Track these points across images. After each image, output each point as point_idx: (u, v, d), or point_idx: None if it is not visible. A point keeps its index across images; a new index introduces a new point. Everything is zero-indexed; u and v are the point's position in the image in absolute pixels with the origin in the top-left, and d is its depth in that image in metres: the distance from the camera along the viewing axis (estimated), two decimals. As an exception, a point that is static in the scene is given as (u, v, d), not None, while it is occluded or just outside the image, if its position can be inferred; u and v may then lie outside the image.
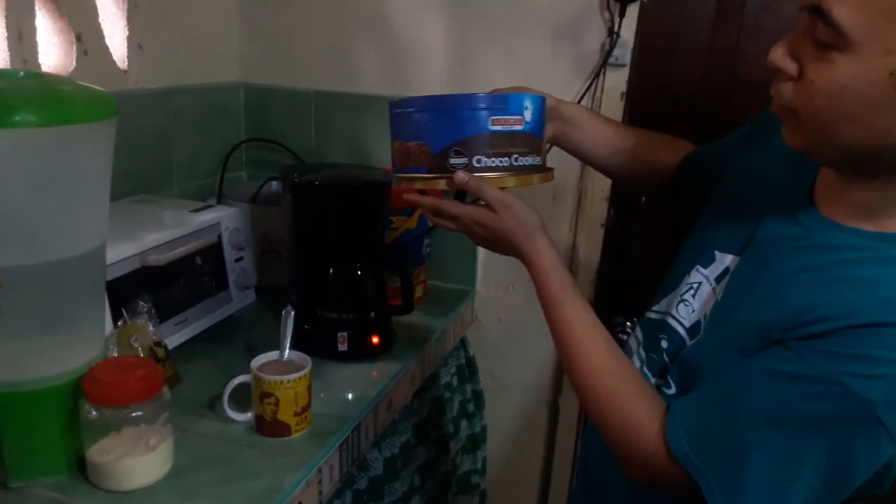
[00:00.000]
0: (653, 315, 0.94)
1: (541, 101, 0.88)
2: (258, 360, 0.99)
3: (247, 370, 0.98)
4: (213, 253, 1.23)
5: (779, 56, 0.67)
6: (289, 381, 0.95)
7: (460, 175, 0.84)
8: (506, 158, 0.85)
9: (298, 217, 1.21)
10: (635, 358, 0.93)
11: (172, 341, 1.11)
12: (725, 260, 0.84)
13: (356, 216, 1.21)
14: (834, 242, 0.73)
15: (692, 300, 0.87)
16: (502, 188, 0.86)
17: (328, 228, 1.21)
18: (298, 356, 1.01)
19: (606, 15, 1.33)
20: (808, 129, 0.68)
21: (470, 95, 0.85)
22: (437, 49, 1.48)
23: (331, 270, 1.20)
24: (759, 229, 0.81)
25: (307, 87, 1.60)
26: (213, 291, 1.23)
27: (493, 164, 0.84)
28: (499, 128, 0.84)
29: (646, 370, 0.89)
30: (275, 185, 1.49)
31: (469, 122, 0.83)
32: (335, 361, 1.17)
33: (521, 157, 0.86)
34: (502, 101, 0.84)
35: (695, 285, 0.87)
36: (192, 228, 1.18)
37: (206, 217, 1.22)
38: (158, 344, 1.02)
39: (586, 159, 1.10)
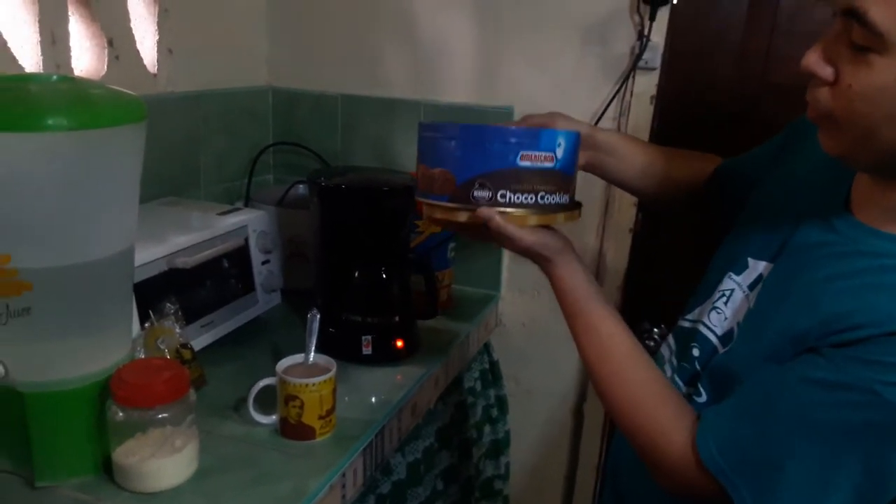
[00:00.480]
0: (685, 324, 0.92)
1: (575, 138, 0.84)
2: (283, 363, 1.00)
3: (272, 373, 0.98)
4: (240, 256, 1.23)
5: (813, 61, 0.66)
6: (314, 385, 0.95)
7: (484, 212, 0.80)
8: (532, 195, 0.81)
9: (325, 220, 1.22)
10: (667, 367, 0.92)
11: (199, 343, 1.12)
12: (759, 267, 0.82)
13: (382, 220, 1.21)
14: (870, 248, 0.71)
15: (724, 308, 0.85)
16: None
17: (354, 232, 1.21)
18: (323, 359, 1.01)
19: (636, 18, 1.32)
20: (847, 135, 0.66)
21: (500, 128, 0.83)
22: (463, 52, 1.48)
23: (356, 274, 1.21)
24: (793, 236, 0.79)
25: (334, 90, 1.61)
26: (239, 294, 1.23)
27: (518, 201, 0.81)
28: (527, 164, 0.80)
29: (677, 379, 0.88)
30: (301, 188, 1.50)
31: (497, 156, 0.80)
32: (360, 365, 1.17)
33: (548, 195, 0.82)
34: (533, 137, 0.81)
35: (727, 292, 0.85)
36: (219, 231, 1.19)
37: (234, 220, 1.23)
38: (185, 346, 1.03)
39: (618, 184, 1.08)
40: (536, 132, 0.82)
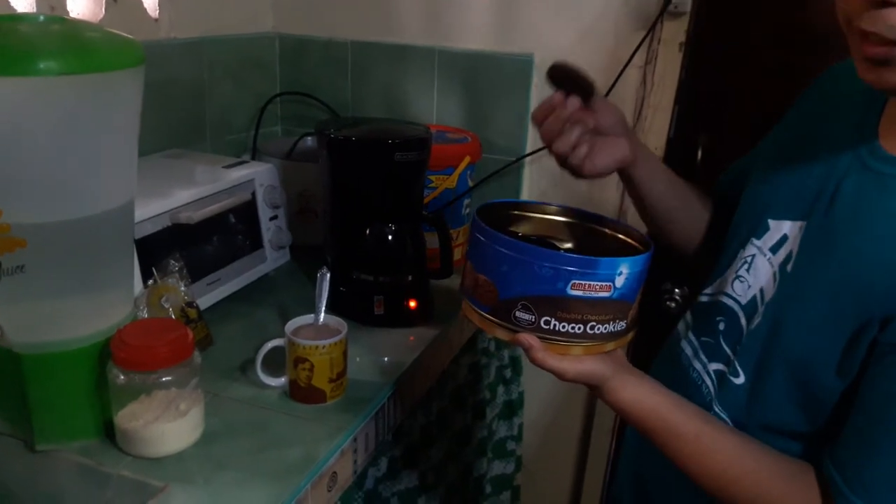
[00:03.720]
0: (704, 298, 0.87)
1: (643, 262, 0.75)
2: (292, 324, 0.95)
3: (281, 333, 0.94)
4: (246, 211, 1.18)
5: None
6: (324, 347, 0.91)
7: (524, 339, 0.73)
8: (580, 326, 0.73)
9: (335, 175, 1.16)
10: (684, 343, 0.87)
11: (205, 301, 1.08)
12: (783, 227, 0.78)
13: (395, 174, 1.15)
14: None
15: (747, 275, 0.80)
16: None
17: (365, 187, 1.16)
18: (334, 320, 0.97)
19: (665, -40, 1.24)
20: None
21: (553, 253, 0.74)
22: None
23: (367, 231, 1.16)
24: (823, 189, 0.74)
25: (344, 37, 1.54)
26: (246, 251, 1.19)
27: (564, 330, 0.73)
28: (579, 293, 0.72)
29: (702, 356, 0.84)
30: (310, 140, 1.44)
31: (545, 280, 0.72)
32: (371, 326, 1.13)
33: (599, 325, 0.74)
34: (590, 266, 0.71)
35: (749, 259, 0.81)
36: (225, 185, 1.14)
37: (240, 173, 1.18)
38: (190, 304, 0.99)
39: (639, 194, 0.97)
40: (595, 262, 0.72)
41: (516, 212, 0.88)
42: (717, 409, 0.81)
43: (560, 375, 0.75)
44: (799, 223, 0.76)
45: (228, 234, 1.15)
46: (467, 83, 1.47)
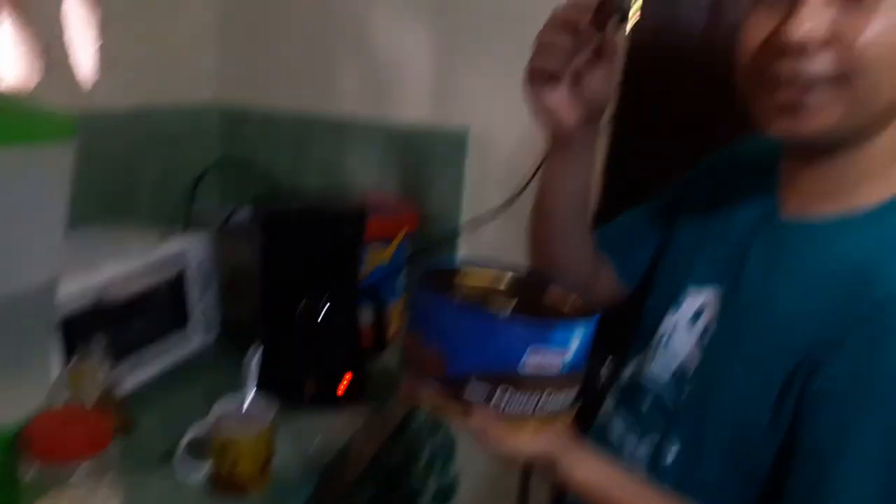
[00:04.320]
0: (628, 374, 0.90)
1: (594, 325, 0.72)
2: (217, 409, 0.92)
3: (206, 416, 0.91)
4: (176, 286, 1.15)
5: (808, 29, 0.63)
6: (249, 437, 0.88)
7: (477, 420, 0.69)
8: (535, 399, 0.70)
9: (268, 249, 1.15)
10: (615, 421, 0.89)
11: (127, 384, 1.03)
12: (700, 296, 0.82)
13: (330, 249, 1.14)
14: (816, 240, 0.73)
15: (667, 350, 0.83)
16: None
17: (300, 262, 1.14)
18: (262, 404, 0.94)
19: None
20: (848, 98, 0.65)
21: (508, 322, 0.70)
22: (419, 71, 1.45)
23: (300, 306, 1.14)
24: (733, 255, 0.79)
25: (285, 108, 1.55)
26: (174, 329, 1.15)
27: (517, 407, 0.69)
28: (535, 362, 0.68)
29: (633, 434, 0.85)
30: (246, 212, 1.42)
31: (500, 350, 0.68)
32: (302, 406, 1.10)
33: (552, 397, 0.71)
34: (545, 332, 0.69)
35: (668, 332, 0.84)
36: (154, 259, 1.11)
37: (170, 247, 1.15)
38: (111, 389, 0.94)
39: (553, 186, 0.93)
40: (549, 326, 0.69)
41: (456, 276, 0.85)
42: None
43: (515, 456, 0.72)
44: (715, 291, 0.80)
45: (156, 312, 1.12)
46: (405, 156, 1.50)
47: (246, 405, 0.94)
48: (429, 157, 1.48)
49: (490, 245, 1.48)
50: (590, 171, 0.92)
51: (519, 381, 0.68)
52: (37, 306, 0.79)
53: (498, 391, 0.68)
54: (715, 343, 0.78)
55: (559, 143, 0.87)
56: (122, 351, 1.03)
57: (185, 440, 0.90)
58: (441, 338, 0.70)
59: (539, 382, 0.69)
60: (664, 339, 0.84)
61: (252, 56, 1.56)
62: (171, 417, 1.02)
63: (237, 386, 0.95)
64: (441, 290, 0.75)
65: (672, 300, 0.85)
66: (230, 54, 1.57)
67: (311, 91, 1.53)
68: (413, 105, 1.47)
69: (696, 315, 0.81)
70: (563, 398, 0.72)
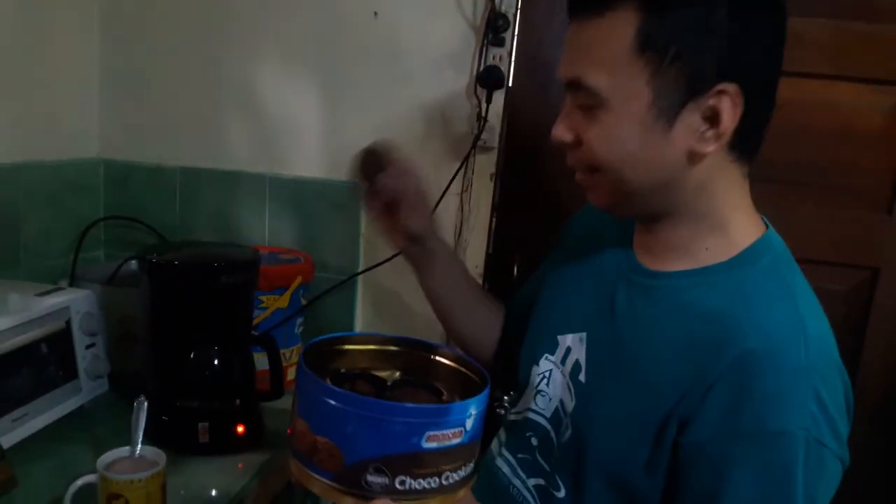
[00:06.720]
0: (513, 416, 0.93)
1: (486, 397, 0.73)
2: (106, 458, 0.91)
3: (94, 469, 0.89)
4: (61, 340, 1.13)
5: (558, 132, 0.78)
6: (139, 480, 0.87)
7: None
8: (436, 478, 0.69)
9: (156, 299, 1.14)
10: (500, 461, 0.92)
11: (10, 439, 1.01)
12: (566, 341, 0.87)
13: (219, 297, 1.15)
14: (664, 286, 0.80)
15: (547, 388, 0.88)
16: None
17: (189, 311, 1.14)
18: (152, 451, 0.93)
19: (474, 100, 1.38)
20: (604, 185, 0.78)
21: (405, 406, 0.69)
22: (308, 126, 1.49)
23: (191, 355, 1.13)
24: (598, 303, 0.85)
25: (172, 163, 1.55)
26: (59, 382, 1.13)
27: (419, 487, 0.69)
28: (434, 445, 0.68)
29: (520, 473, 0.89)
30: (134, 265, 1.41)
31: (397, 436, 0.67)
32: (196, 455, 1.09)
33: (453, 473, 0.70)
34: (443, 413, 0.69)
35: (546, 374, 0.89)
36: (36, 314, 1.09)
37: (54, 301, 1.13)
38: (-10, 444, 0.92)
39: (429, 294, 1.08)
40: (447, 408, 0.70)
41: (337, 346, 0.85)
42: None
43: None
44: (579, 335, 0.85)
45: (40, 365, 1.09)
46: (298, 206, 1.52)
47: (137, 453, 0.93)
48: (324, 207, 1.50)
49: (387, 293, 1.51)
50: (452, 271, 1.06)
51: (418, 465, 0.68)
52: None
53: (399, 477, 0.68)
54: (587, 386, 0.83)
55: (405, 256, 1.04)
56: (4, 405, 1.01)
57: (71, 490, 0.88)
58: (336, 429, 0.69)
59: (439, 462, 0.69)
60: (544, 379, 0.89)
61: (136, 113, 1.56)
62: (60, 470, 1.00)
63: (127, 437, 0.94)
64: (320, 363, 0.75)
65: (546, 344, 0.90)
66: (114, 111, 1.56)
67: (198, 148, 1.54)
68: (304, 160, 1.50)
69: (565, 357, 0.87)
70: (463, 471, 0.72)
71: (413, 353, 0.86)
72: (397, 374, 0.84)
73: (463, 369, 0.83)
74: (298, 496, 1.31)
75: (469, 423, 0.70)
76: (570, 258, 0.95)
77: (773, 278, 0.76)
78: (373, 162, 0.95)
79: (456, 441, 0.69)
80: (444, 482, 0.70)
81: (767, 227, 0.81)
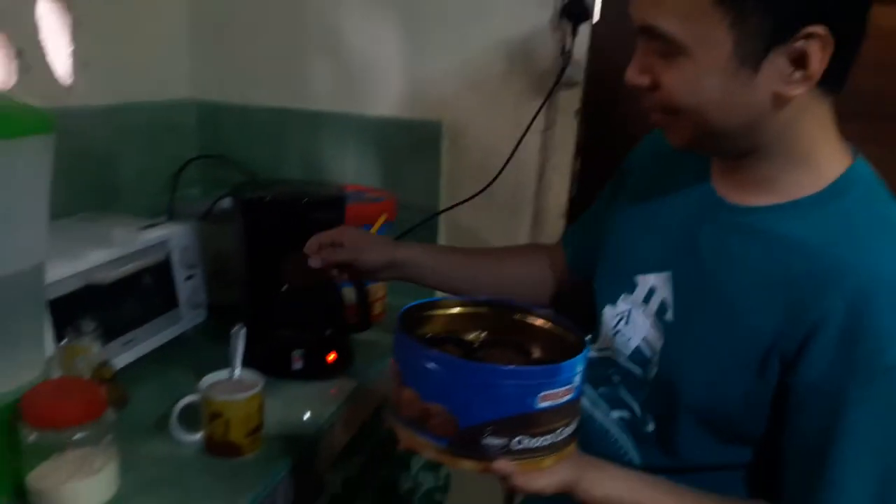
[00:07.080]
0: (593, 354, 0.93)
1: (587, 354, 0.74)
2: (207, 380, 0.96)
3: (197, 390, 0.95)
4: (162, 271, 1.20)
5: (632, 75, 0.76)
6: (239, 401, 0.93)
7: (502, 467, 0.69)
8: (550, 436, 0.71)
9: (249, 235, 1.19)
10: (584, 400, 0.92)
11: (120, 361, 1.08)
12: (648, 281, 0.85)
13: (309, 233, 1.18)
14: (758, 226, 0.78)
15: (626, 328, 0.87)
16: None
17: (280, 246, 1.18)
18: (249, 375, 0.99)
19: (559, 35, 1.34)
20: (684, 126, 0.75)
21: (517, 369, 0.70)
22: (390, 67, 1.48)
23: (283, 288, 1.18)
24: (680, 241, 0.83)
25: (260, 103, 1.59)
26: (162, 310, 1.20)
27: (536, 445, 0.70)
28: (547, 404, 0.69)
29: (601, 406, 0.89)
30: (227, 202, 1.46)
31: (513, 399, 0.68)
32: (290, 380, 1.15)
33: (564, 429, 0.72)
34: (555, 374, 0.69)
35: (623, 314, 0.88)
36: (139, 246, 1.15)
37: (155, 234, 1.19)
38: (104, 364, 0.99)
39: (448, 291, 1.09)
40: (556, 369, 0.70)
41: (426, 312, 0.85)
42: (632, 457, 0.85)
43: (538, 493, 0.73)
44: (664, 274, 0.84)
45: (143, 295, 1.16)
46: (381, 146, 1.54)
47: (235, 376, 0.98)
48: (405, 147, 1.51)
49: (469, 231, 1.51)
50: (442, 261, 1.09)
51: (533, 424, 0.69)
52: (24, 288, 0.83)
53: (516, 437, 0.69)
54: (676, 325, 0.82)
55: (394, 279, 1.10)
56: (113, 331, 1.07)
57: (177, 408, 0.94)
58: (449, 396, 0.69)
59: (552, 420, 0.70)
60: (622, 320, 0.88)
61: (224, 55, 1.60)
62: (164, 391, 1.06)
63: (226, 363, 1.00)
64: (414, 338, 0.74)
65: (623, 286, 0.89)
66: (203, 53, 1.61)
67: (284, 88, 1.57)
68: (386, 100, 1.50)
69: (647, 297, 0.85)
70: (573, 425, 0.74)
71: (496, 314, 0.86)
72: (483, 334, 0.84)
73: (547, 323, 0.84)
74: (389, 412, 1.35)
75: (577, 380, 0.72)
76: (639, 198, 0.93)
77: (868, 209, 0.73)
78: (296, 263, 1.04)
79: (567, 398, 0.71)
80: (556, 439, 0.72)
81: (855, 156, 0.77)
